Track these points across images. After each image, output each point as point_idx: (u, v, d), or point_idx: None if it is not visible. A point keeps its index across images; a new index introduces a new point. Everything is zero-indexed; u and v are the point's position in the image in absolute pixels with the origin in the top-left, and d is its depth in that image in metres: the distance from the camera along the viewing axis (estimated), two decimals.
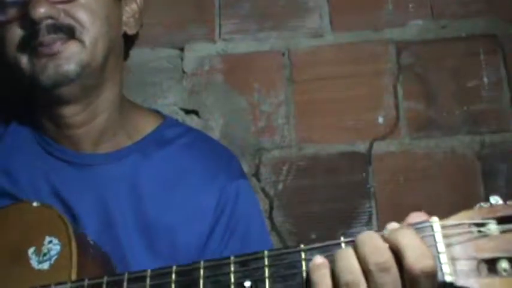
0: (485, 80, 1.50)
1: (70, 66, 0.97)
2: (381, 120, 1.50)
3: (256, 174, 1.49)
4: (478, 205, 0.68)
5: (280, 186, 1.48)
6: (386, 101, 1.51)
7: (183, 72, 1.56)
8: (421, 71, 1.52)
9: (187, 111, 1.54)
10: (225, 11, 1.59)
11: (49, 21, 0.96)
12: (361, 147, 1.49)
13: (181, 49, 1.58)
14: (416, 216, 0.69)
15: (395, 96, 1.51)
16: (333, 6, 1.57)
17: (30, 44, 0.97)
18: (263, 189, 1.48)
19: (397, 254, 0.65)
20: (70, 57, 0.97)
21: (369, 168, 1.48)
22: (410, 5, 1.56)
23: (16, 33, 0.98)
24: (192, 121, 1.52)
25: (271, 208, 1.47)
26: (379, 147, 1.49)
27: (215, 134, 1.49)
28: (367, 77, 1.53)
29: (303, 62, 1.55)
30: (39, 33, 0.96)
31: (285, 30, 1.57)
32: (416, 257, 0.63)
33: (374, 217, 1.44)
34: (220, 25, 1.58)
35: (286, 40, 1.56)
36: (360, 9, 1.56)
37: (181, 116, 1.53)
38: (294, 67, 1.55)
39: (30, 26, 0.96)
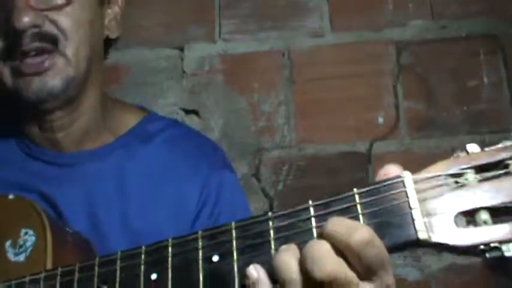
0: (485, 80, 1.50)
1: (55, 82, 0.95)
2: (381, 120, 1.50)
3: (256, 174, 1.49)
4: (454, 154, 0.63)
5: (280, 186, 1.48)
6: (387, 101, 1.51)
7: (183, 72, 1.56)
8: (421, 71, 1.52)
9: (187, 111, 1.54)
10: (225, 11, 1.59)
11: (34, 29, 0.94)
12: (361, 147, 1.49)
13: (181, 49, 1.58)
14: (387, 172, 0.65)
15: (396, 96, 1.51)
16: (333, 6, 1.57)
17: (13, 52, 0.95)
18: (263, 189, 1.48)
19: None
20: (56, 74, 0.95)
21: (369, 168, 1.48)
22: (410, 5, 1.56)
23: None
24: (192, 121, 1.53)
25: (271, 208, 1.47)
26: (379, 147, 1.49)
27: (215, 134, 1.49)
28: (367, 77, 1.53)
29: (303, 62, 1.55)
30: (23, 43, 0.93)
31: (285, 30, 1.57)
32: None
33: None
34: (220, 25, 1.58)
35: (286, 40, 1.56)
36: (360, 9, 1.56)
37: (181, 116, 1.53)
38: (294, 67, 1.55)
39: (14, 34, 0.93)
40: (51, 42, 0.95)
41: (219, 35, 1.58)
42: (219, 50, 1.57)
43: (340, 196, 0.66)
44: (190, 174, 1.08)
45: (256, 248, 0.66)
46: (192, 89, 1.55)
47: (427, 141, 1.48)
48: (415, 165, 1.59)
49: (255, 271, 0.64)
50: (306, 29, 1.57)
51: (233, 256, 0.67)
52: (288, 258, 0.61)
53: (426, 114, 1.50)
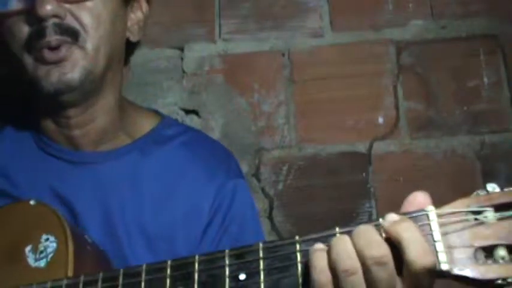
0: (485, 80, 1.50)
1: (74, 75, 0.96)
2: (380, 120, 1.50)
3: (256, 174, 1.49)
4: (475, 193, 0.68)
5: (280, 186, 1.48)
6: (387, 101, 1.51)
7: (183, 72, 1.56)
8: (421, 71, 1.52)
9: (187, 111, 1.54)
10: (225, 11, 1.59)
11: (55, 19, 0.95)
12: (361, 147, 1.49)
13: (181, 49, 1.58)
14: (415, 198, 0.70)
15: (396, 96, 1.51)
16: (333, 6, 1.57)
17: (37, 42, 0.96)
18: (263, 189, 1.48)
19: (397, 247, 0.65)
20: (74, 65, 0.97)
21: (369, 168, 1.48)
22: (410, 5, 1.56)
23: (21, 28, 0.97)
24: (192, 121, 1.52)
25: (271, 208, 1.47)
26: (379, 147, 1.49)
27: (215, 134, 1.49)
28: (367, 77, 1.53)
29: (303, 62, 1.55)
30: (46, 32, 0.95)
31: (285, 30, 1.57)
32: (418, 253, 0.63)
33: (374, 217, 1.44)
34: (220, 25, 1.58)
35: (286, 40, 1.56)
36: (360, 9, 1.56)
37: (181, 116, 1.53)
38: (294, 67, 1.55)
39: (36, 22, 0.95)
40: (71, 36, 0.97)
41: (219, 35, 1.58)
42: (219, 50, 1.57)
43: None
44: (205, 179, 1.09)
45: (283, 269, 0.68)
46: (192, 89, 1.55)
47: (427, 141, 1.48)
48: (415, 165, 1.59)
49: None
50: (306, 29, 1.57)
51: (260, 276, 0.68)
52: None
53: (426, 114, 1.50)
